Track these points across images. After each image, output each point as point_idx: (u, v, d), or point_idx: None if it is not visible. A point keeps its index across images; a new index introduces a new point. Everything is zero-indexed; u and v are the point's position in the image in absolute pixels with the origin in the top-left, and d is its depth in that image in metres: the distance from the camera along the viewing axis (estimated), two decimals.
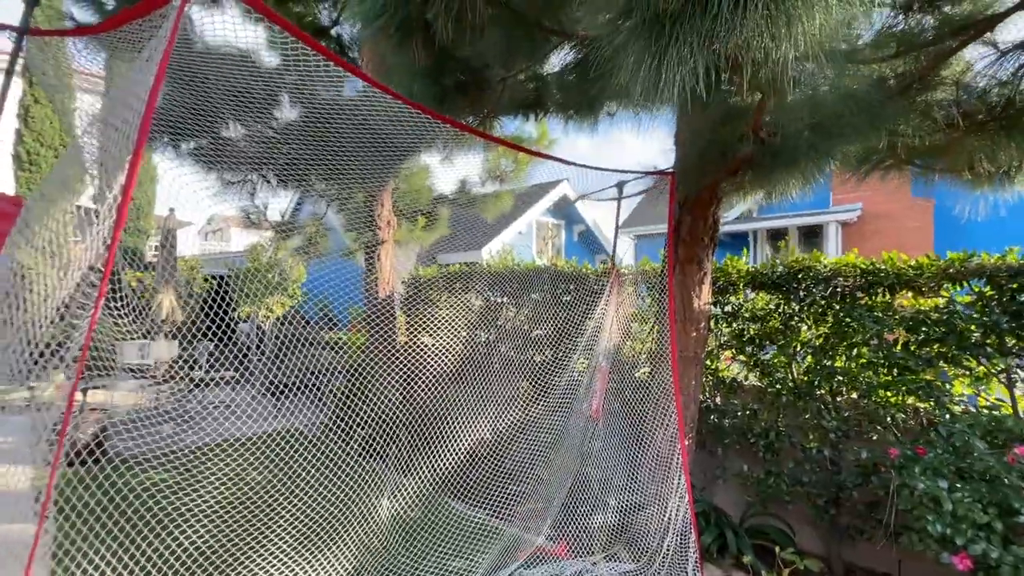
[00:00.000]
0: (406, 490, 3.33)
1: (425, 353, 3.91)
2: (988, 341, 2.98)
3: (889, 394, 3.28)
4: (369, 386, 4.05)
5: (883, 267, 3.36)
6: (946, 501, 2.13)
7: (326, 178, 4.12)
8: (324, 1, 6.04)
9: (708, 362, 4.09)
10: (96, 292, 1.01)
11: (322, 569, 2.68)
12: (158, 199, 14.04)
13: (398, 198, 6.35)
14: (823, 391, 3.54)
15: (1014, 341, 2.93)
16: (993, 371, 3.01)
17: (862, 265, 3.45)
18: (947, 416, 2.97)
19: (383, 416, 3.34)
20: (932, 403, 3.08)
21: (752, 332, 3.96)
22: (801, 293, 3.69)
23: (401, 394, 4.00)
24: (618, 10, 1.49)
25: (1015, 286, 2.91)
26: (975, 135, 2.91)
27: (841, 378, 3.46)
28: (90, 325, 1.03)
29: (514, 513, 3.53)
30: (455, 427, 3.46)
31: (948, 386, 3.11)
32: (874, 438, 3.28)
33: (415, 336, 4.33)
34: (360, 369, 4.66)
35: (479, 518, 3.55)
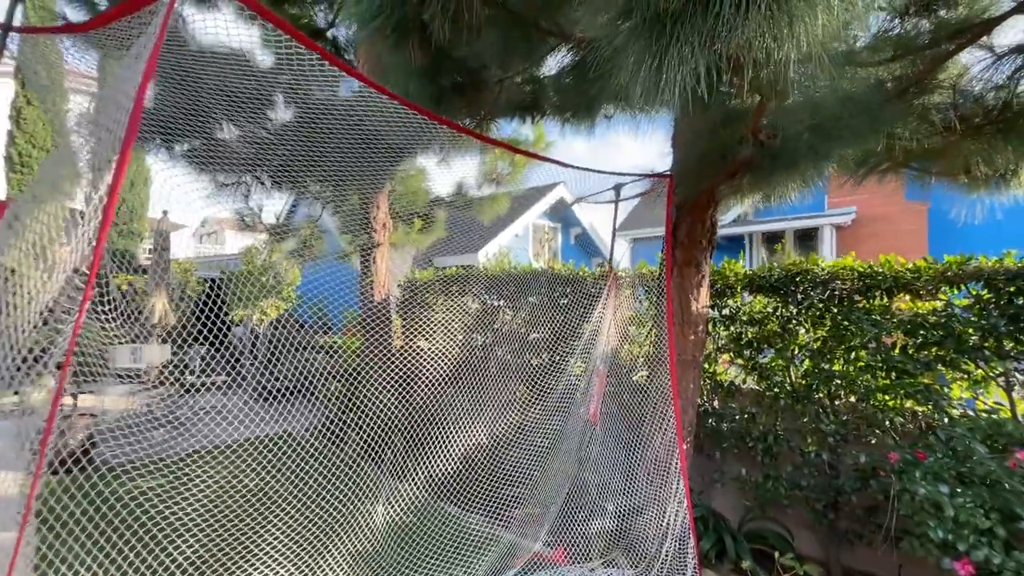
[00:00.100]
0: (401, 495, 3.29)
1: (421, 357, 3.87)
2: (986, 344, 2.98)
3: (887, 398, 3.27)
4: (364, 390, 4.01)
5: (881, 270, 3.36)
6: (947, 506, 2.11)
7: (321, 180, 4.09)
8: (320, 3, 6.01)
9: (706, 365, 4.07)
10: (81, 296, 0.98)
11: None
12: (152, 201, 13.94)
13: (394, 200, 6.32)
14: (821, 395, 3.53)
15: (1012, 344, 2.93)
16: (991, 374, 3.00)
17: (860, 268, 3.44)
18: (946, 420, 2.97)
19: (378, 421, 3.30)
20: (930, 407, 3.07)
21: (750, 335, 3.94)
22: (799, 296, 3.68)
23: (397, 398, 3.96)
24: (618, 10, 1.47)
25: (1013, 289, 2.91)
26: (972, 138, 2.91)
27: (839, 382, 3.45)
28: (74, 330, 0.99)
29: (511, 518, 3.49)
30: (451, 431, 3.42)
31: (946, 390, 3.10)
32: (872, 442, 3.27)
33: (411, 340, 4.29)
34: (355, 373, 4.62)
35: (475, 524, 3.51)
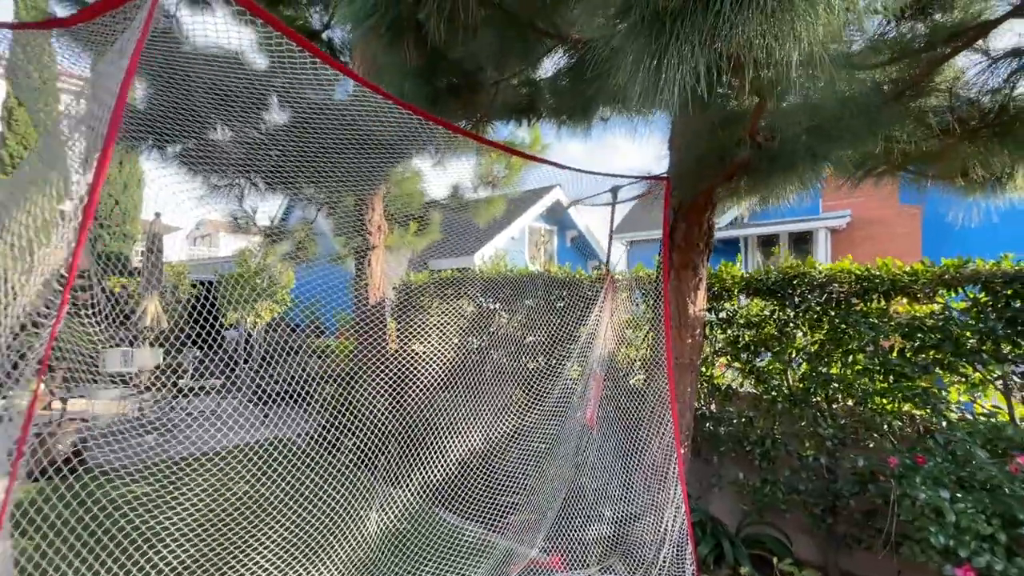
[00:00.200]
0: (396, 502, 3.24)
1: (416, 360, 3.83)
2: (984, 348, 2.97)
3: (885, 401, 3.26)
4: (358, 394, 3.96)
5: (878, 273, 3.35)
6: (949, 512, 2.08)
7: (316, 182, 4.05)
8: (315, 5, 5.99)
9: (703, 369, 4.05)
10: (59, 299, 0.94)
11: None
12: (145, 203, 13.84)
13: (389, 203, 6.28)
14: (819, 398, 3.51)
15: (1010, 348, 2.92)
16: (989, 378, 2.99)
17: (857, 271, 3.43)
18: (944, 424, 2.95)
19: (372, 425, 3.25)
20: (928, 410, 3.06)
21: (747, 339, 3.92)
22: (796, 299, 3.66)
23: (391, 402, 3.91)
24: (617, 8, 1.45)
25: (1010, 292, 2.90)
26: (968, 141, 2.91)
27: (837, 385, 3.43)
28: (51, 335, 0.95)
29: (507, 525, 3.44)
30: (446, 436, 3.38)
31: (944, 393, 3.09)
32: (870, 446, 3.25)
33: (406, 343, 4.25)
34: (349, 377, 4.57)
35: (471, 530, 3.47)
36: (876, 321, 3.28)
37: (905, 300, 3.31)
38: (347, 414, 3.36)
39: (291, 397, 3.48)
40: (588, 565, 3.17)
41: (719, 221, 3.57)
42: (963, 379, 3.08)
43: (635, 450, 3.30)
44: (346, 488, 2.85)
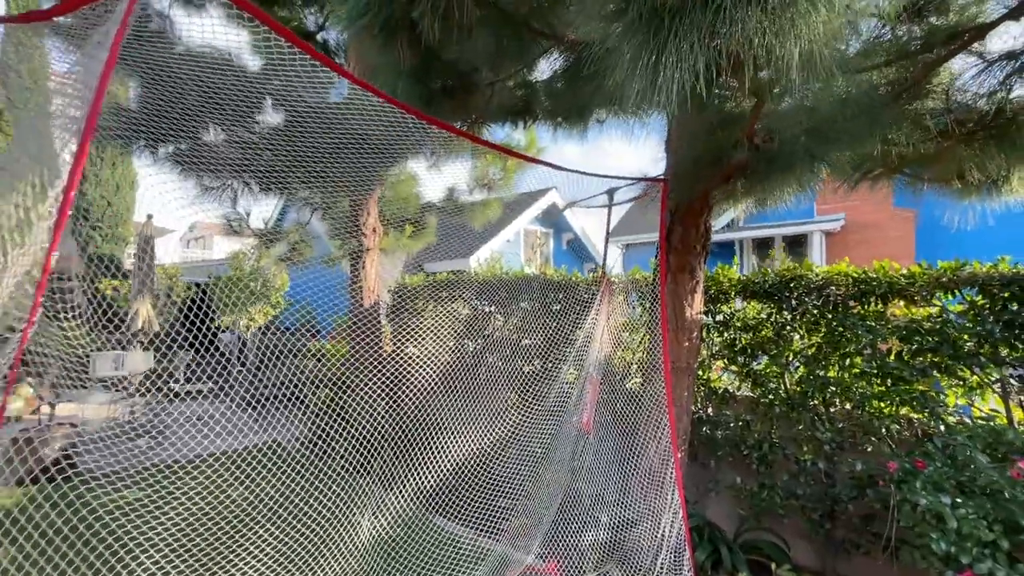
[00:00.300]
0: (389, 507, 3.18)
1: (411, 363, 3.78)
2: (981, 351, 2.96)
3: (883, 404, 3.24)
4: (353, 397, 3.91)
5: (875, 276, 3.34)
6: (950, 518, 2.06)
7: (310, 184, 4.01)
8: (310, 5, 5.96)
9: (700, 372, 4.02)
10: (31, 302, 0.90)
11: None
12: (137, 205, 13.73)
13: (384, 205, 6.24)
14: (816, 402, 3.49)
15: (1007, 350, 2.91)
16: (987, 381, 2.98)
17: (854, 274, 3.42)
18: (942, 427, 2.93)
19: (366, 429, 3.20)
20: (927, 414, 3.04)
21: (744, 342, 3.90)
22: (793, 302, 3.64)
23: (385, 406, 3.86)
24: (614, 6, 1.42)
25: (1007, 295, 2.89)
26: (964, 144, 2.90)
27: (834, 388, 3.41)
28: (22, 339, 0.91)
29: (502, 531, 3.39)
30: (441, 440, 3.33)
31: (942, 396, 3.07)
32: (868, 450, 3.23)
33: (401, 346, 4.20)
34: (343, 380, 4.52)
35: (466, 536, 3.42)
36: (873, 324, 3.26)
37: (902, 303, 3.30)
38: (341, 418, 3.31)
39: (285, 401, 3.43)
40: (585, 571, 3.12)
41: (714, 224, 3.55)
42: (961, 382, 3.07)
43: (632, 455, 3.27)
44: (338, 494, 2.80)
